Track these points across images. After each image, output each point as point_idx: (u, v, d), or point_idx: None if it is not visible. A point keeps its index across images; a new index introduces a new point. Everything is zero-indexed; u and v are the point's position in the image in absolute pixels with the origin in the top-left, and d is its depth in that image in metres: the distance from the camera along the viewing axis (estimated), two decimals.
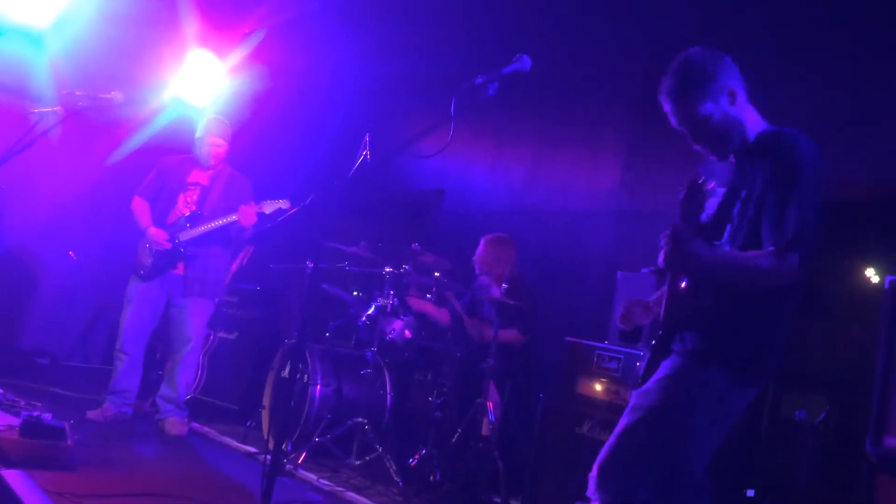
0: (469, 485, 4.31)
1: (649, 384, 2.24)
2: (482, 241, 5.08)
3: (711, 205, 2.35)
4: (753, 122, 2.35)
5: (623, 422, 2.22)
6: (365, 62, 6.90)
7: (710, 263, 2.13)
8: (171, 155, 5.22)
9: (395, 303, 4.90)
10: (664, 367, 2.25)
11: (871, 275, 4.98)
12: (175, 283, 4.92)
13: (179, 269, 4.91)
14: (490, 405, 4.41)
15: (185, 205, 4.98)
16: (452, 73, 6.15)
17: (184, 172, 5.05)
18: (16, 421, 3.56)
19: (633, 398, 2.26)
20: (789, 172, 2.12)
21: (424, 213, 6.77)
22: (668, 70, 2.35)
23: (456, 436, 4.49)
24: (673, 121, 2.38)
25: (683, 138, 5.05)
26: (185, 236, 4.85)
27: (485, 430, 4.39)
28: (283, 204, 4.88)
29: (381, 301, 4.87)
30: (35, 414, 3.55)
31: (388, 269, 4.90)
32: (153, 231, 4.85)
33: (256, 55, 6.68)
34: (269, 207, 4.83)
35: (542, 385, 4.50)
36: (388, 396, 4.80)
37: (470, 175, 6.49)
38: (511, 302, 4.47)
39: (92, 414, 4.77)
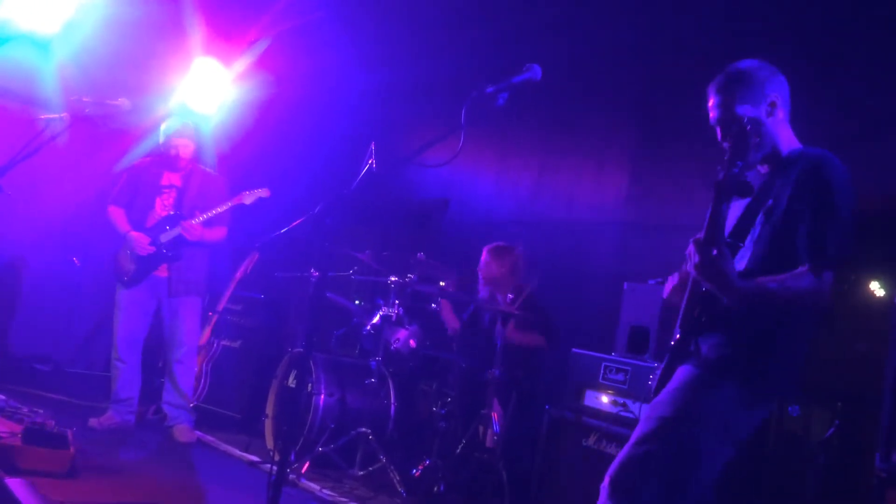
0: (473, 496, 4.29)
1: (663, 394, 2.22)
2: (484, 250, 5.06)
3: (731, 215, 2.33)
4: (788, 140, 2.38)
5: (636, 432, 2.20)
6: (369, 70, 6.91)
7: (752, 298, 2.11)
8: (138, 160, 5.23)
9: (400, 312, 4.88)
10: (678, 377, 2.23)
11: (877, 289, 4.96)
12: (161, 285, 4.92)
13: (163, 271, 4.91)
14: (495, 416, 4.38)
15: (162, 207, 4.98)
16: (457, 82, 6.20)
17: (155, 175, 5.05)
18: (18, 428, 3.54)
19: (647, 408, 2.24)
20: (827, 191, 2.14)
21: (429, 223, 6.76)
22: (724, 70, 2.41)
23: (460, 446, 4.46)
24: (712, 115, 2.40)
25: (690, 148, 5.06)
26: (165, 238, 4.86)
27: (489, 442, 4.36)
28: (262, 193, 4.93)
29: (385, 310, 4.85)
30: (38, 421, 3.54)
31: (393, 279, 4.89)
32: (134, 235, 4.84)
33: (262, 63, 6.69)
34: (248, 198, 4.91)
35: (548, 396, 4.47)
36: (392, 406, 4.77)
37: (475, 184, 6.48)
38: (517, 312, 4.45)
39: (94, 421, 4.76)
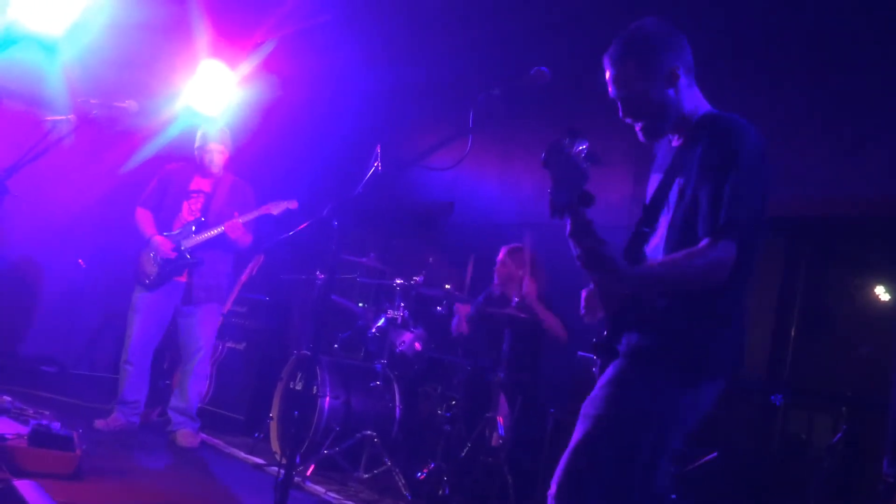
0: (478, 499, 4.28)
1: (595, 391, 2.11)
2: (502, 250, 5.04)
3: (648, 191, 2.25)
4: (694, 104, 2.21)
5: (574, 435, 2.09)
6: (374, 72, 6.91)
7: (642, 282, 2.00)
8: (170, 163, 5.23)
9: (406, 315, 4.88)
10: (608, 372, 2.11)
11: (882, 293, 4.95)
12: (180, 292, 4.91)
13: (184, 277, 4.91)
14: (500, 419, 4.38)
15: (189, 212, 4.98)
16: (462, 84, 6.21)
17: (185, 180, 5.06)
18: (24, 430, 3.55)
19: (583, 406, 2.12)
20: (726, 157, 2.00)
21: (433, 225, 6.76)
22: (617, 37, 2.24)
23: (465, 450, 4.46)
24: (610, 90, 2.27)
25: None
26: (189, 243, 4.85)
27: (494, 444, 4.36)
28: (290, 205, 4.92)
29: (391, 313, 4.84)
30: (44, 423, 3.54)
31: (398, 281, 4.88)
32: (158, 239, 4.84)
33: (267, 65, 6.70)
34: (276, 208, 4.89)
35: (553, 400, 4.47)
36: (398, 409, 4.77)
37: (480, 187, 6.48)
38: (523, 315, 4.45)
39: (100, 423, 4.76)
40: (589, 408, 2.10)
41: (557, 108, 5.78)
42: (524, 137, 6.11)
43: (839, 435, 3.73)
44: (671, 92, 2.18)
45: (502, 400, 4.48)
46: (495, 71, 5.79)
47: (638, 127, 2.26)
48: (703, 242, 1.98)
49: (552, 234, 5.65)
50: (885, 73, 4.13)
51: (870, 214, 4.24)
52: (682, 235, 2.07)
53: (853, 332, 4.84)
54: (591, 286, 2.29)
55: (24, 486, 2.84)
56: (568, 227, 1.97)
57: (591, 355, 4.05)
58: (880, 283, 4.91)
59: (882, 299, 4.94)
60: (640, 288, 2.03)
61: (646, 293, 2.07)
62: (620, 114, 2.27)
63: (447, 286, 4.89)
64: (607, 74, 2.24)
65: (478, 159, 6.34)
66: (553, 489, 2.07)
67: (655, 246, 2.16)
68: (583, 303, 2.34)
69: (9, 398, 4.36)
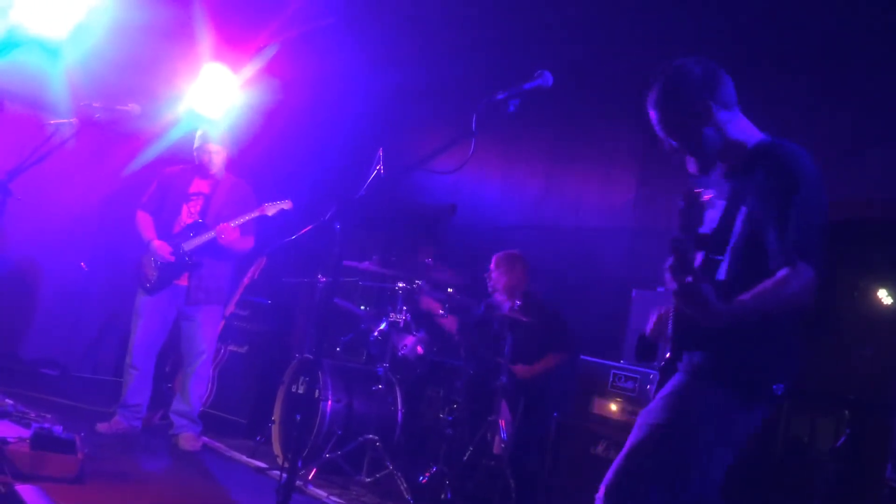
0: (480, 503, 4.27)
1: (655, 401, 2.21)
2: (493, 258, 5.06)
3: (711, 217, 2.27)
4: (745, 133, 2.29)
5: (629, 441, 2.19)
6: (376, 75, 6.91)
7: (734, 318, 2.04)
8: (170, 167, 5.23)
9: (408, 318, 4.87)
10: (669, 384, 2.21)
11: (884, 295, 4.93)
12: (181, 294, 4.91)
13: (184, 280, 4.90)
14: (502, 423, 4.37)
15: (188, 215, 4.98)
16: (464, 87, 6.21)
17: (185, 182, 5.05)
18: (26, 433, 3.54)
19: (640, 415, 2.23)
20: (788, 185, 2.07)
21: (436, 228, 6.75)
22: (652, 80, 2.32)
23: (467, 453, 4.45)
24: (658, 130, 2.34)
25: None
26: (188, 246, 4.85)
27: (496, 449, 4.35)
28: (285, 205, 4.91)
29: (393, 316, 4.84)
30: (46, 426, 3.53)
31: (400, 285, 4.88)
32: (157, 243, 4.84)
33: (270, 68, 6.70)
34: (271, 209, 4.88)
35: (556, 404, 4.46)
36: (400, 413, 4.76)
37: (482, 190, 6.47)
38: (525, 319, 4.44)
39: (102, 426, 4.76)
40: (646, 417, 2.19)
41: (561, 111, 5.78)
42: (526, 140, 6.11)
43: (843, 439, 3.72)
44: (709, 129, 2.26)
45: (504, 404, 4.47)
46: (497, 73, 5.78)
47: (694, 163, 2.35)
48: (783, 272, 2.04)
49: (554, 238, 5.68)
50: (890, 74, 4.13)
51: (873, 217, 4.23)
52: (745, 262, 2.15)
53: (856, 335, 4.82)
54: (661, 310, 2.38)
55: (25, 491, 2.83)
56: (669, 261, 2.01)
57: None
58: (884, 285, 4.89)
59: (886, 302, 4.93)
60: (732, 323, 2.06)
61: (736, 326, 2.10)
62: (678, 154, 2.36)
63: (450, 289, 4.88)
64: (653, 119, 2.35)
65: (480, 162, 6.34)
66: (601, 491, 2.16)
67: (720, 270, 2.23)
68: (651, 324, 2.44)
69: (10, 401, 4.36)
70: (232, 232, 4.79)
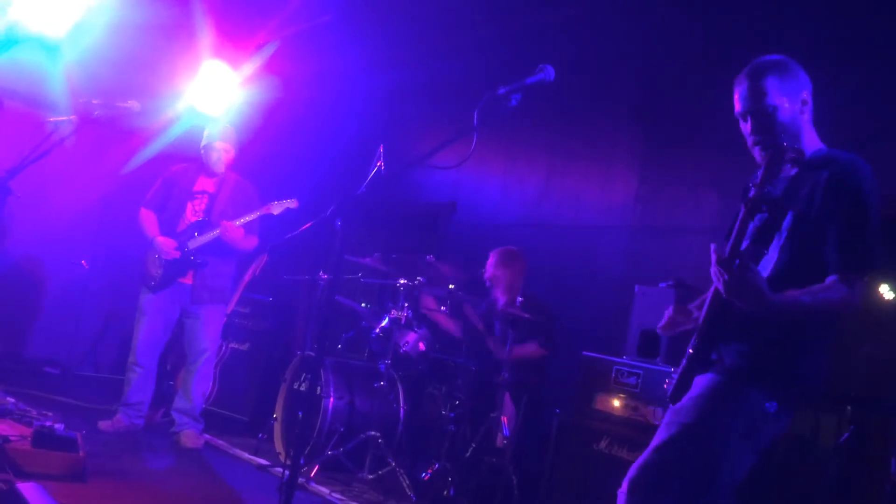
0: (483, 500, 4.27)
1: (685, 401, 2.20)
2: (491, 255, 5.05)
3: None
4: (812, 140, 2.34)
5: (657, 438, 2.19)
6: (376, 72, 6.91)
7: (782, 309, 2.07)
8: (175, 165, 5.22)
9: (410, 315, 4.86)
10: (700, 384, 2.21)
11: (886, 291, 4.92)
12: (185, 293, 4.90)
13: (188, 278, 4.89)
14: (504, 419, 4.36)
15: (193, 213, 4.97)
16: (465, 83, 6.20)
17: (189, 181, 5.04)
18: (28, 431, 3.54)
19: (668, 414, 2.23)
20: (858, 199, 2.13)
21: (436, 226, 6.74)
22: (762, 58, 2.35)
23: (470, 450, 4.44)
24: (738, 105, 2.33)
25: (699, 150, 5.03)
26: (193, 244, 4.84)
27: (499, 445, 4.34)
28: (290, 203, 4.90)
29: (395, 313, 4.83)
30: (47, 424, 3.53)
31: (402, 282, 4.87)
32: (161, 240, 4.83)
33: (270, 66, 6.70)
34: (276, 208, 4.87)
35: (558, 400, 4.44)
36: (402, 410, 4.76)
37: (483, 187, 6.46)
38: (525, 315, 4.43)
39: (103, 425, 4.75)
40: (676, 416, 2.20)
41: (562, 108, 5.77)
42: (527, 138, 6.10)
43: (846, 435, 3.70)
44: (799, 118, 2.30)
45: (507, 400, 4.46)
46: (498, 71, 5.77)
47: (753, 141, 2.33)
48: (834, 277, 2.10)
49: (555, 235, 5.66)
50: (890, 70, 4.11)
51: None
52: (793, 261, 2.18)
53: (854, 331, 4.81)
54: (675, 305, 2.44)
55: (27, 488, 2.83)
56: (715, 257, 2.04)
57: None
58: (886, 281, 4.88)
59: (888, 297, 4.91)
60: (779, 315, 2.10)
61: (780, 319, 2.14)
62: (746, 129, 2.33)
63: (451, 286, 4.87)
64: (739, 90, 2.34)
65: (481, 159, 6.33)
66: (625, 486, 2.17)
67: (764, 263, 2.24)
68: (665, 319, 2.49)
69: (12, 399, 4.35)
70: (236, 230, 4.77)
